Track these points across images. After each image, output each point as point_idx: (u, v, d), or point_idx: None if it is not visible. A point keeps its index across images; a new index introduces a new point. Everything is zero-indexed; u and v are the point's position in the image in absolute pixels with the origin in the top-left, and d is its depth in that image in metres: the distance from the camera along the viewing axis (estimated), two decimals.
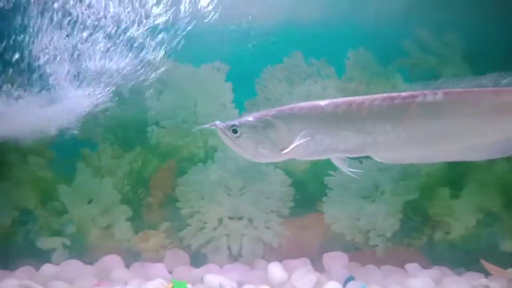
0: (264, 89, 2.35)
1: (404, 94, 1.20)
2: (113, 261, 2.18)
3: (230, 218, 2.26)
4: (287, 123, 1.26)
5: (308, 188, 2.31)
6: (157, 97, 2.27)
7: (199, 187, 2.25)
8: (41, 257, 2.20)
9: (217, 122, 1.29)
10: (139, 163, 2.30)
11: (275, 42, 2.28)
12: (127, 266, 2.20)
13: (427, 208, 2.26)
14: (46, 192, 2.26)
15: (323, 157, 1.27)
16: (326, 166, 2.24)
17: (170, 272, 2.15)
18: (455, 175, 2.27)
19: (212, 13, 2.08)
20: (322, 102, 1.25)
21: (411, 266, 2.16)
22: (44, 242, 2.22)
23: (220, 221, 2.26)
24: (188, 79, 2.27)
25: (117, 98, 2.02)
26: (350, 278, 2.05)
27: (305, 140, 1.23)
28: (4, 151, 2.26)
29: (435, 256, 2.24)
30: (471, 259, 2.16)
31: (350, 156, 1.27)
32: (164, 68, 2.20)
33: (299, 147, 1.24)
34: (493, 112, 1.18)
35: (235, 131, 1.27)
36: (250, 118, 1.28)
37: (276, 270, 2.03)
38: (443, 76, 2.26)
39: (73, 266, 2.15)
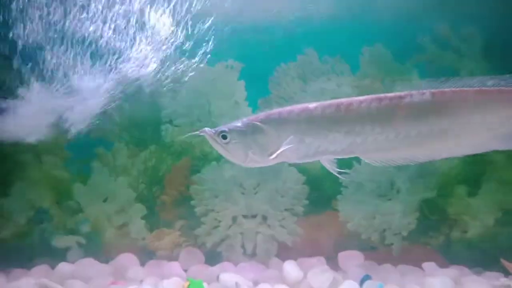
0: (277, 87, 2.34)
1: (391, 95, 1.21)
2: (128, 259, 2.18)
3: (244, 216, 2.25)
4: (276, 128, 1.26)
5: (323, 186, 2.29)
6: (171, 96, 2.27)
7: (213, 186, 2.25)
8: (57, 255, 2.21)
9: (206, 129, 1.32)
10: (154, 162, 2.30)
11: (288, 39, 2.26)
12: (142, 264, 2.21)
13: (444, 206, 2.22)
14: (61, 191, 2.27)
15: (314, 159, 1.28)
16: (341, 163, 2.21)
17: (185, 271, 2.15)
18: (473, 173, 2.23)
19: (226, 12, 2.07)
20: (311, 105, 1.26)
21: (428, 265, 2.12)
22: (60, 241, 2.24)
23: (234, 219, 2.25)
24: (202, 78, 2.26)
25: (132, 97, 2.02)
26: (367, 277, 2.03)
27: (291, 145, 1.24)
28: (19, 151, 2.27)
29: (452, 255, 2.20)
30: (489, 259, 2.13)
31: (339, 157, 1.28)
32: (178, 67, 2.21)
33: (289, 150, 1.25)
34: (479, 111, 1.20)
35: (224, 137, 1.29)
36: (238, 123, 1.29)
37: (291, 268, 2.02)
38: (461, 72, 2.24)
39: (89, 264, 2.15)
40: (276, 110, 1.29)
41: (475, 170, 2.23)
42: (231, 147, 1.29)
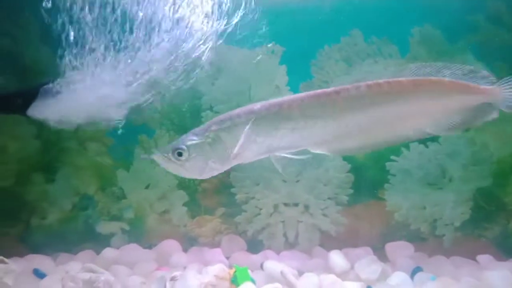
0: (320, 71, 2.25)
1: (328, 90, 1.29)
2: (171, 245, 2.18)
3: (286, 204, 2.20)
4: (230, 132, 1.31)
5: (369, 174, 2.20)
6: (211, 82, 2.24)
7: (254, 173, 2.21)
8: (101, 241, 2.24)
9: (157, 153, 1.33)
10: None
11: (331, 20, 2.17)
12: (185, 250, 2.20)
13: (501, 195, 2.09)
14: (105, 178, 2.30)
15: (266, 156, 1.34)
16: (387, 150, 2.12)
17: (227, 258, 2.13)
18: None
19: None
20: (255, 106, 1.32)
21: (484, 258, 2.00)
22: (104, 227, 2.27)
23: (275, 207, 2.21)
24: (242, 62, 2.21)
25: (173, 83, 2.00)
26: (418, 269, 1.93)
27: (247, 138, 1.29)
28: (64, 138, 2.32)
29: (509, 248, 2.06)
30: None
31: (290, 151, 1.34)
32: (219, 52, 2.17)
33: (246, 151, 1.30)
34: (413, 100, 1.26)
35: (180, 154, 1.30)
36: (193, 137, 1.32)
37: (338, 258, 1.95)
38: None
39: (133, 250, 2.17)
40: (225, 116, 1.33)
41: None
42: (190, 163, 1.31)
